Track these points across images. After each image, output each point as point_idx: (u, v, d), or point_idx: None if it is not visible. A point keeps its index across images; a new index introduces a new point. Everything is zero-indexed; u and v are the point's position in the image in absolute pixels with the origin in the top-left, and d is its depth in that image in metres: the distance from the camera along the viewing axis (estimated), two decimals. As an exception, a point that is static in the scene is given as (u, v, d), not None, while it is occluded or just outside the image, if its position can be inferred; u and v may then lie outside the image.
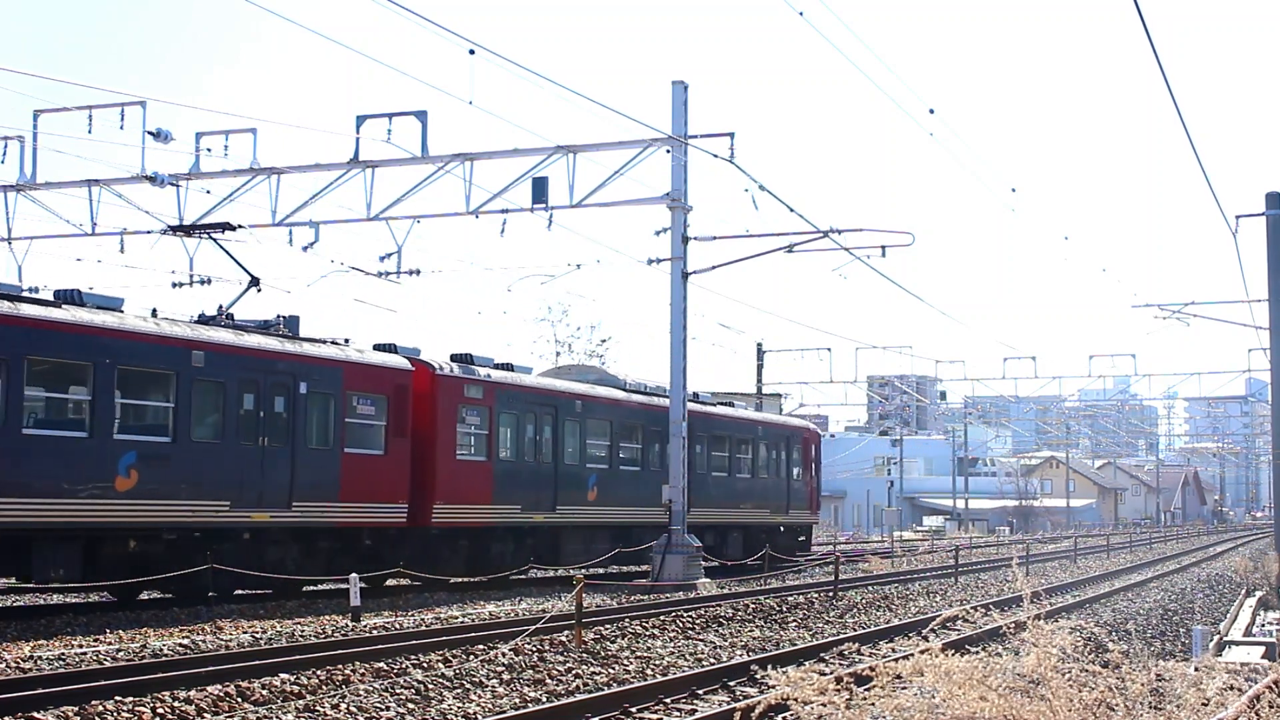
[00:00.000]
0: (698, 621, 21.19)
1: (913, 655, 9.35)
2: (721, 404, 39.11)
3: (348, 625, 19.77)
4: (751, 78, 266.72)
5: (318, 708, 12.44)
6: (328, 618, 20.90)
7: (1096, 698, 8.71)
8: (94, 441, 20.28)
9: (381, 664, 15.23)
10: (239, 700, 12.84)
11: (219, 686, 13.23)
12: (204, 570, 21.60)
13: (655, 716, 12.82)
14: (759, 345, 63.64)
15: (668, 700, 13.38)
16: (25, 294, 20.80)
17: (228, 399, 22.45)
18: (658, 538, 31.07)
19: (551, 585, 28.82)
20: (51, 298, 20.93)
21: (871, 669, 10.90)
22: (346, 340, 25.73)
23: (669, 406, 31.89)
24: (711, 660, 16.65)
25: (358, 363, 25.14)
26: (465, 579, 28.16)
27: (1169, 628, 22.28)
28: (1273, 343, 31.22)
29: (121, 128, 28.25)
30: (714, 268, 31.48)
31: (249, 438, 22.76)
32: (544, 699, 13.31)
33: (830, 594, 27.45)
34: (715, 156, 28.57)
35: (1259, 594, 27.99)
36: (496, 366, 29.07)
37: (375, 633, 18.89)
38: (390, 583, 27.66)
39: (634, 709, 12.78)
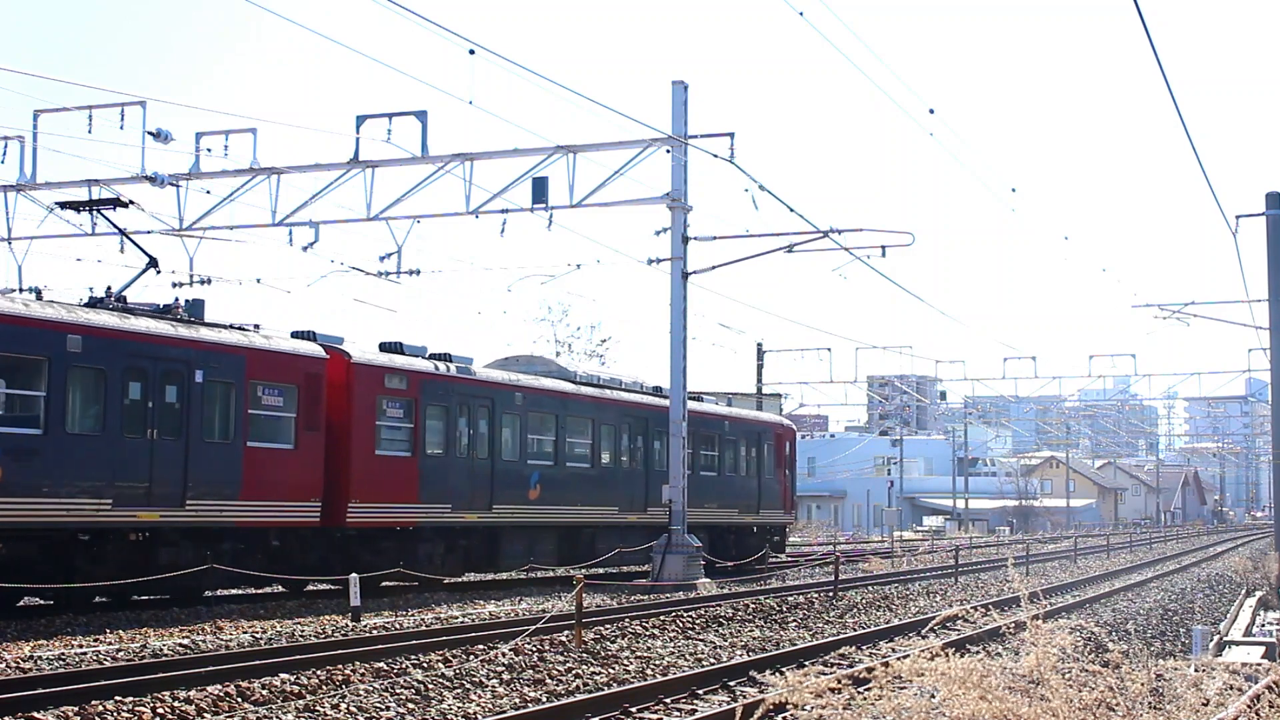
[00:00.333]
0: (698, 621, 21.20)
1: (911, 656, 9.35)
2: (690, 399, 37.67)
3: (348, 625, 19.78)
4: (751, 78, 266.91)
5: (318, 708, 12.44)
6: (328, 618, 20.91)
7: (1096, 698, 8.72)
8: None
9: (381, 664, 15.24)
10: (239, 700, 12.84)
11: (219, 686, 13.23)
12: (205, 570, 21.60)
13: (655, 716, 12.82)
14: (759, 345, 63.63)
15: (668, 700, 13.38)
16: None
17: (110, 388, 20.57)
18: (613, 539, 30.83)
19: (551, 585, 28.82)
20: None
21: (869, 670, 10.90)
22: (256, 326, 24.06)
23: (629, 400, 31.22)
24: (711, 660, 16.65)
25: (263, 350, 23.28)
26: (394, 582, 26.51)
27: (1169, 628, 22.29)
28: (1273, 343, 31.25)
29: (121, 128, 28.28)
30: (714, 268, 31.51)
31: (135, 430, 20.88)
32: (544, 699, 13.31)
33: (830, 594, 27.45)
34: (715, 156, 28.60)
35: (1259, 594, 28.00)
36: (434, 357, 27.42)
37: (375, 633, 18.89)
38: (389, 583, 27.64)
39: (634, 709, 12.78)
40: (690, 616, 21.67)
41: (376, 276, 31.30)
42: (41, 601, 21.28)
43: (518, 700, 13.25)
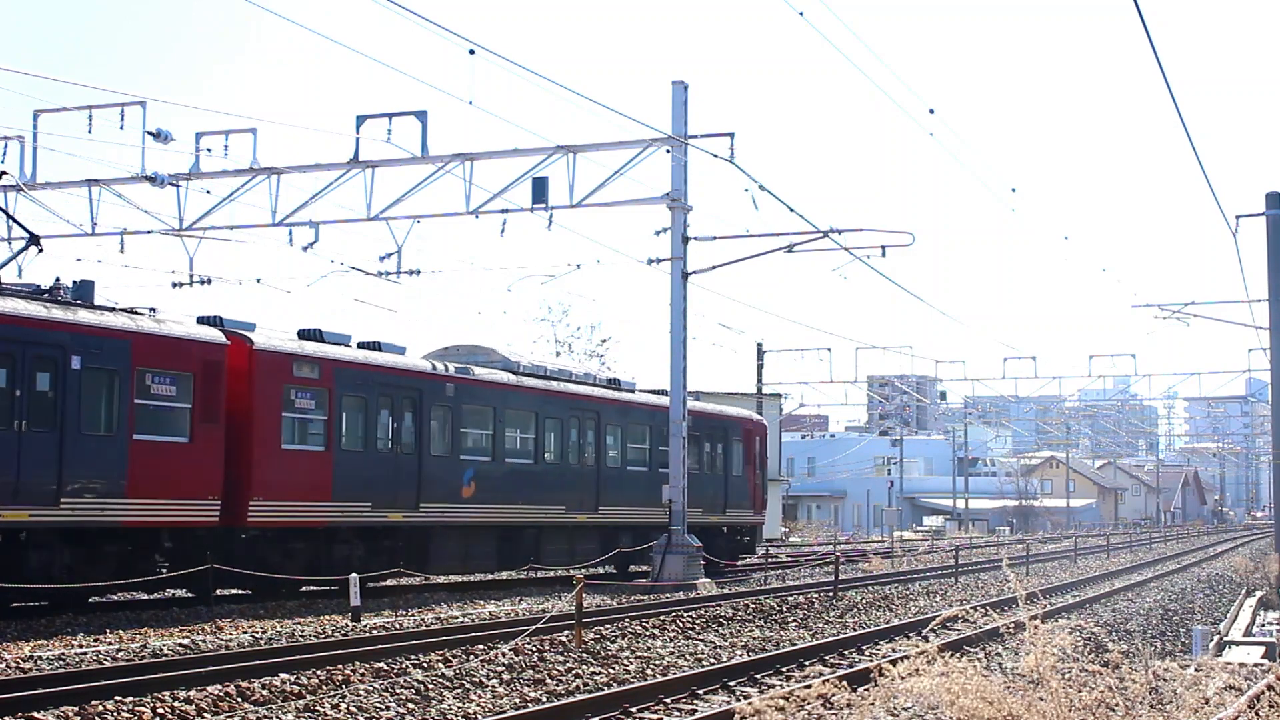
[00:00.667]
0: (698, 621, 21.20)
1: (909, 657, 9.36)
2: (654, 393, 35.66)
3: (348, 625, 19.78)
4: (751, 78, 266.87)
5: (318, 708, 12.45)
6: (328, 618, 20.91)
7: (1096, 698, 8.72)
8: None
9: (381, 664, 15.24)
10: (239, 700, 12.84)
11: (219, 686, 13.24)
12: (206, 570, 21.60)
13: (655, 716, 12.82)
14: (759, 345, 63.63)
15: (668, 700, 13.38)
16: None
17: None
18: (561, 541, 29.76)
19: (551, 585, 28.82)
20: None
21: (865, 671, 10.91)
22: (152, 310, 22.45)
23: (579, 393, 30.14)
24: (711, 660, 16.66)
25: (153, 334, 21.39)
26: (310, 586, 24.38)
27: (1169, 628, 22.29)
28: (1273, 343, 31.27)
29: (121, 128, 28.27)
30: (714, 268, 31.51)
31: (0, 422, 19.18)
32: (544, 699, 13.32)
33: (830, 594, 27.46)
34: (715, 156, 28.60)
35: (1259, 594, 28.02)
36: (363, 345, 25.94)
37: (375, 633, 18.90)
38: (389, 583, 27.64)
39: (634, 709, 12.78)
40: (690, 616, 21.67)
41: (376, 276, 31.31)
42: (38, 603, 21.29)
43: (518, 700, 13.25)
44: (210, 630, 18.83)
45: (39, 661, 15.29)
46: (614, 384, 33.34)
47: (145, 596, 23.54)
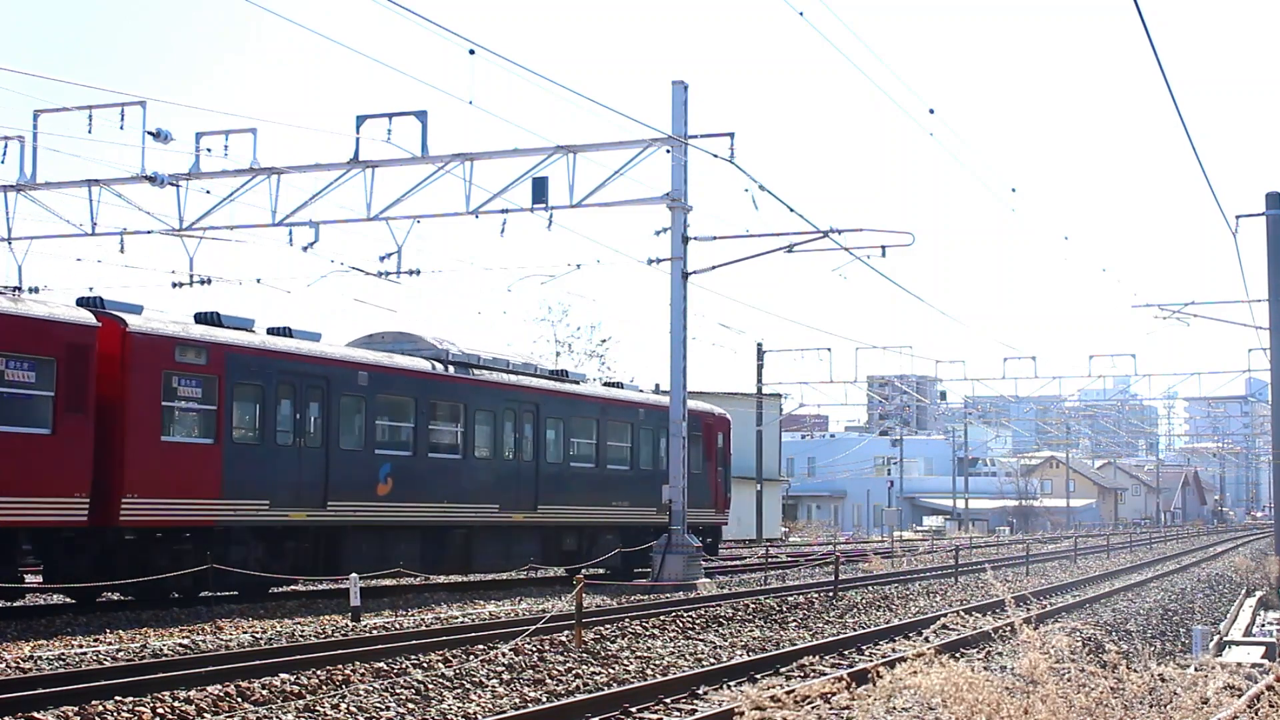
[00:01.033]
0: (698, 621, 21.20)
1: (908, 658, 9.36)
2: (609, 385, 34.06)
3: (348, 625, 19.79)
4: (751, 78, 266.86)
5: (318, 708, 12.45)
6: (328, 618, 20.92)
7: (1096, 699, 8.72)
8: None
9: (381, 664, 15.24)
10: (239, 700, 12.85)
11: (219, 686, 13.24)
12: (205, 570, 21.60)
13: (655, 716, 12.83)
14: (759, 345, 63.70)
15: (668, 700, 13.38)
16: None
17: None
18: (495, 542, 28.14)
19: (552, 585, 28.81)
20: None
21: (864, 671, 10.91)
22: (16, 289, 20.99)
23: (516, 384, 28.62)
24: (711, 660, 16.66)
25: (6, 315, 19.47)
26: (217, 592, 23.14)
27: (1169, 628, 22.29)
28: (1273, 343, 31.28)
29: (121, 128, 28.27)
30: (714, 268, 31.50)
31: None
32: (544, 699, 13.32)
33: (830, 594, 27.46)
34: (715, 156, 28.60)
35: (1259, 594, 28.02)
36: (273, 331, 24.32)
37: (375, 633, 18.90)
38: (388, 582, 27.63)
39: (634, 709, 12.78)
40: (690, 616, 21.67)
41: (376, 276, 31.31)
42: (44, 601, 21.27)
43: (518, 700, 13.25)
44: (210, 630, 18.84)
45: (39, 661, 15.30)
46: (560, 375, 31.60)
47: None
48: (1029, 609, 16.27)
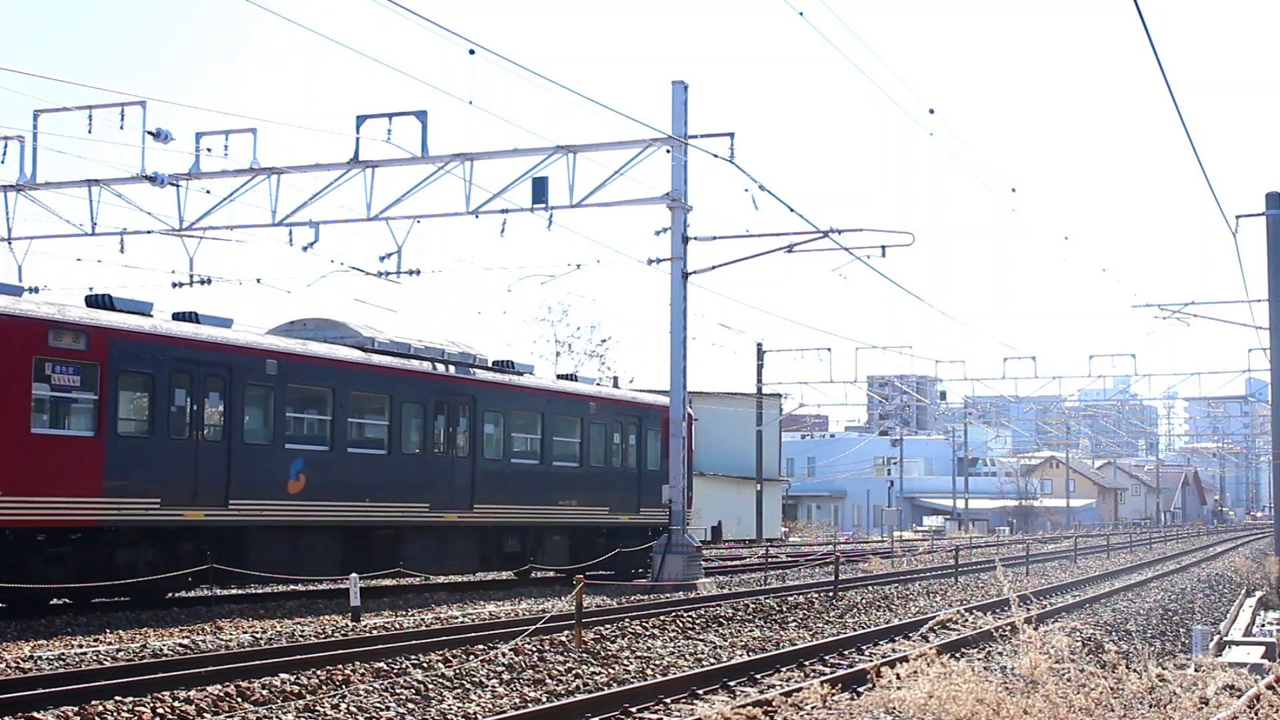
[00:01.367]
0: (698, 621, 21.20)
1: (908, 658, 9.36)
2: (563, 378, 32.49)
3: (348, 625, 19.79)
4: (751, 78, 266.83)
5: (318, 708, 12.45)
6: (328, 618, 20.92)
7: (1095, 699, 8.72)
8: None
9: (381, 664, 15.24)
10: (239, 700, 12.85)
11: (219, 686, 13.24)
12: (206, 569, 21.60)
13: (655, 716, 12.82)
14: (759, 345, 63.71)
15: (668, 700, 13.38)
16: None
17: None
18: (427, 544, 26.38)
19: (552, 585, 28.81)
20: None
21: (862, 673, 10.91)
22: None
23: (449, 375, 26.89)
24: (711, 660, 16.66)
25: None
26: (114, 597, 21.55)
27: (1169, 628, 22.29)
28: (1273, 343, 31.27)
29: (121, 128, 28.31)
30: (714, 268, 31.51)
31: None
32: (544, 699, 13.32)
33: (830, 594, 27.46)
34: (715, 156, 28.61)
35: (1259, 594, 28.03)
36: (178, 316, 22.71)
37: (375, 633, 18.90)
38: (388, 582, 27.60)
39: (634, 709, 12.78)
40: (690, 616, 21.67)
41: (376, 276, 31.33)
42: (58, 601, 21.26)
43: (518, 700, 13.25)
44: (210, 630, 18.85)
45: (39, 661, 15.30)
46: (504, 366, 29.30)
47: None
48: (1029, 609, 16.27)
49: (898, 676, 8.87)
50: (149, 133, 28.00)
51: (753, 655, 16.89)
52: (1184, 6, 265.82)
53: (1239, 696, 10.41)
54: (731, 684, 14.54)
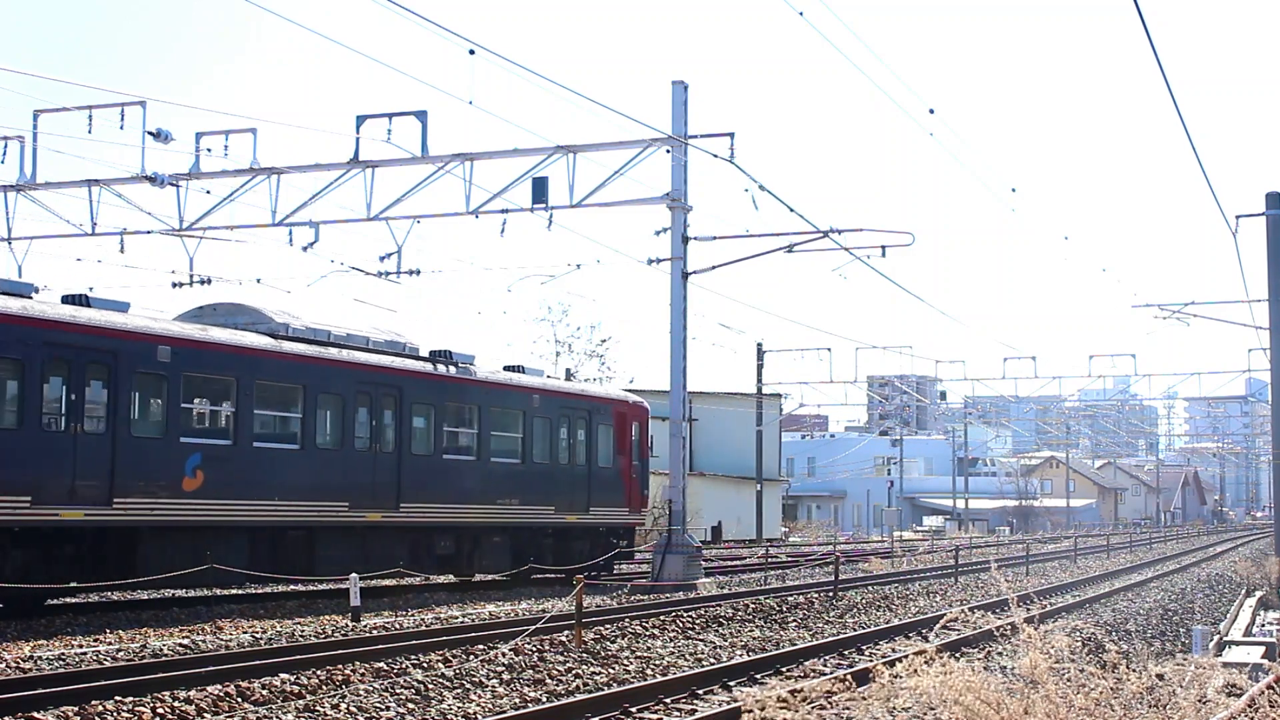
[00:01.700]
0: (698, 621, 21.20)
1: (907, 657, 9.36)
2: (510, 369, 30.39)
3: (348, 625, 19.79)
4: (751, 78, 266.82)
5: (318, 708, 12.45)
6: (328, 618, 20.92)
7: (1095, 699, 8.72)
8: None
9: (381, 664, 15.24)
10: (239, 700, 12.85)
11: (219, 686, 13.24)
12: (205, 569, 21.58)
13: (655, 716, 12.83)
14: (759, 345, 63.72)
15: (668, 700, 13.39)
16: None
17: None
18: (345, 545, 24.47)
19: (552, 585, 28.80)
20: None
21: (865, 671, 10.90)
22: None
23: (372, 364, 25.14)
24: (711, 660, 16.66)
25: None
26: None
27: (1169, 628, 22.30)
28: (1273, 343, 31.26)
29: (121, 128, 28.32)
30: (714, 268, 31.51)
31: None
32: (544, 699, 13.32)
33: (830, 594, 27.46)
34: (715, 156, 28.61)
35: (1259, 594, 28.01)
36: (68, 300, 21.33)
37: (375, 633, 18.90)
38: (388, 582, 27.58)
39: (634, 709, 12.78)
40: (690, 616, 21.67)
41: (376, 276, 31.34)
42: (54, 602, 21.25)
43: (518, 700, 13.25)
44: (210, 630, 18.85)
45: (39, 661, 15.30)
46: (441, 356, 27.49)
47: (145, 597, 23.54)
48: (1029, 609, 16.26)
49: (915, 673, 8.89)
50: (149, 133, 28.01)
51: (753, 655, 16.89)
52: (1184, 6, 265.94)
53: (1239, 696, 10.41)
54: (731, 684, 14.54)
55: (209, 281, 31.91)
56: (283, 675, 14.03)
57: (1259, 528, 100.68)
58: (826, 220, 32.69)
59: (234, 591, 24.92)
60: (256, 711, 12.37)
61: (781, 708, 9.02)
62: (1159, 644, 19.31)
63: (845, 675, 12.45)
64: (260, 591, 25.04)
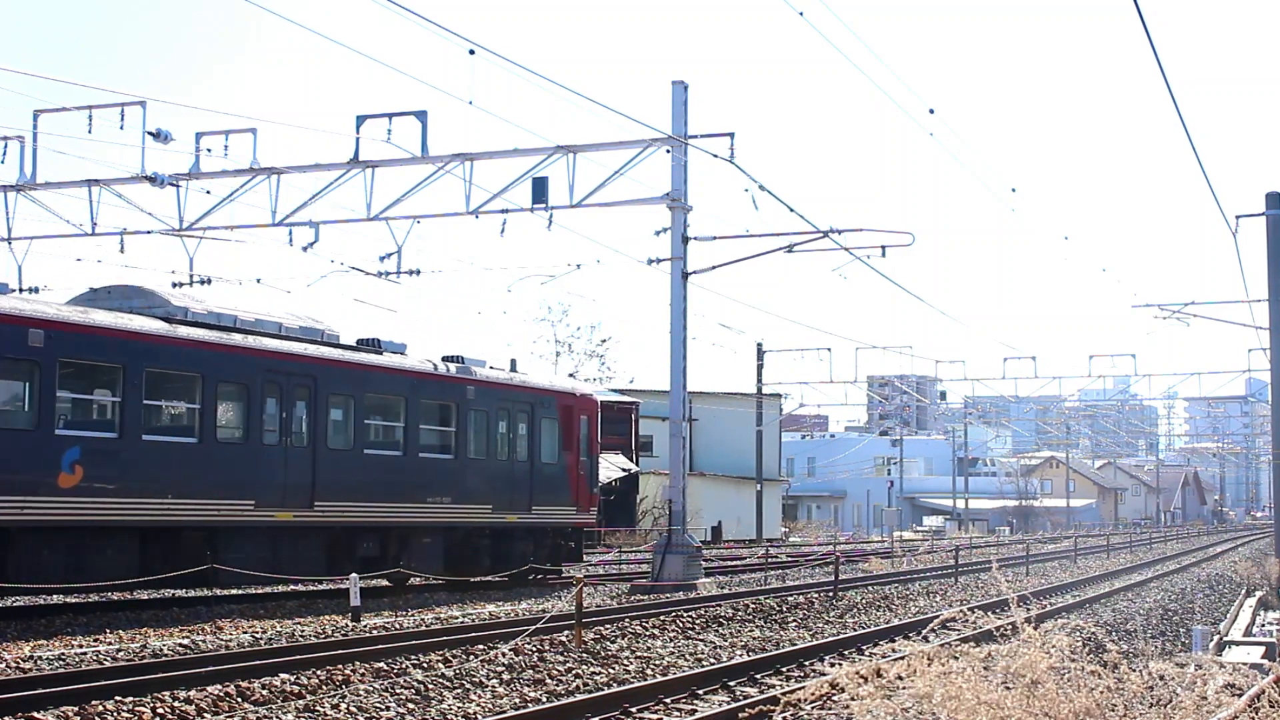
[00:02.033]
0: (698, 621, 21.21)
1: (906, 657, 9.36)
2: (449, 360, 28.09)
3: (348, 625, 19.79)
4: (751, 78, 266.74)
5: (318, 708, 12.45)
6: (328, 618, 20.92)
7: (1095, 699, 8.72)
8: None
9: (381, 664, 15.25)
10: (239, 700, 12.85)
11: (219, 686, 13.25)
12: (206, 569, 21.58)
13: (655, 716, 12.83)
14: (759, 345, 63.76)
15: (668, 700, 13.39)
16: None
17: None
18: (249, 547, 22.55)
19: (552, 585, 28.79)
20: None
21: (863, 673, 10.90)
22: None
23: (281, 352, 23.33)
24: (711, 660, 16.66)
25: None
26: None
27: (1169, 628, 22.30)
28: (1273, 343, 31.27)
29: (121, 128, 28.33)
30: (714, 268, 31.52)
31: None
32: (544, 699, 13.32)
33: (830, 594, 27.46)
34: (715, 156, 28.61)
35: (1259, 594, 28.02)
36: None
37: (375, 633, 18.91)
38: (387, 583, 27.58)
39: (634, 709, 12.78)
40: (690, 616, 21.67)
41: (376, 276, 31.36)
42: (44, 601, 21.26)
43: (518, 700, 13.26)
44: (210, 630, 18.85)
45: (39, 661, 15.31)
46: (369, 345, 25.97)
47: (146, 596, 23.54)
48: (1029, 609, 16.26)
49: (914, 673, 8.90)
50: (149, 133, 28.01)
51: (753, 655, 16.89)
52: (1184, 6, 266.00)
53: (1239, 696, 10.41)
54: (731, 684, 14.55)
55: (209, 281, 31.93)
56: (283, 675, 14.04)
57: (1259, 528, 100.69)
58: (826, 220, 32.71)
59: (234, 591, 24.91)
60: (256, 711, 12.37)
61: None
62: (1159, 644, 19.31)
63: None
64: (260, 591, 25.04)
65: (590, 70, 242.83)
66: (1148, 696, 9.28)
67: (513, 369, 30.23)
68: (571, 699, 13.08)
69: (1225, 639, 18.15)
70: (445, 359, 27.90)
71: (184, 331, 21.89)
